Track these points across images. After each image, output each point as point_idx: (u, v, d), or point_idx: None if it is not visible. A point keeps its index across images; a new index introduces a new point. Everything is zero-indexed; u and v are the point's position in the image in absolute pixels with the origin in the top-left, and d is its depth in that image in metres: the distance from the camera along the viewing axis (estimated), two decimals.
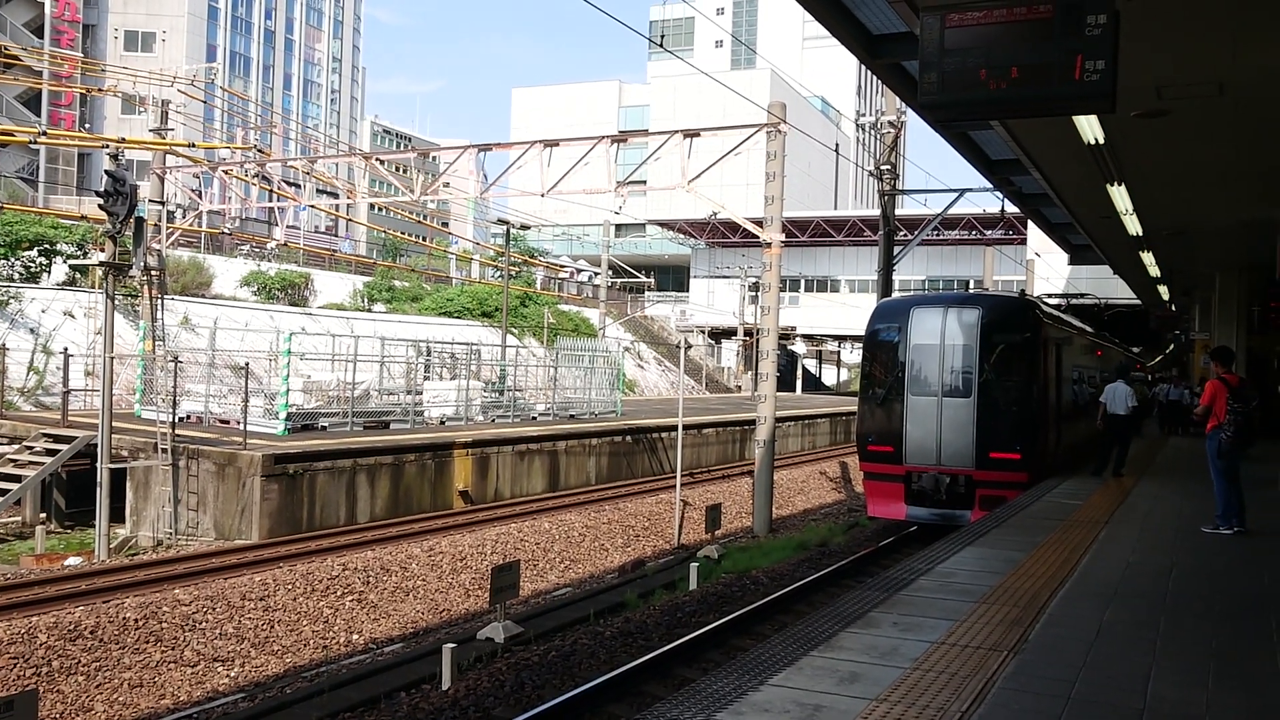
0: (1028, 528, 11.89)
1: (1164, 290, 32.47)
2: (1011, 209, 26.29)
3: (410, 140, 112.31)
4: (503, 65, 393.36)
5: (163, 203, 25.59)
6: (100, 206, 17.02)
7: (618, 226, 74.07)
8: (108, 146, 19.09)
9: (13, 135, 37.01)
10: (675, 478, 20.51)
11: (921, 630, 7.05)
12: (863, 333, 19.38)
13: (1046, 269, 42.90)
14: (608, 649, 11.32)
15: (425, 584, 14.59)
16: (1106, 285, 38.98)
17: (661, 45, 16.24)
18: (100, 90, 42.51)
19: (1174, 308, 38.78)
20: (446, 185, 25.67)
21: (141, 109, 28.78)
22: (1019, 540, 10.97)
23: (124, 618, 11.32)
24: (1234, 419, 11.44)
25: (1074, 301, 35.21)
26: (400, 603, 13.92)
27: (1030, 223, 34.10)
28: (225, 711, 10.19)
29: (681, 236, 71.74)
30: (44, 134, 35.10)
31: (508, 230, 36.10)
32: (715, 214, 22.85)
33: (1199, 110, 11.24)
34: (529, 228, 41.30)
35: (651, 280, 64.50)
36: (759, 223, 21.13)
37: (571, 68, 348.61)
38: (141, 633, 11.25)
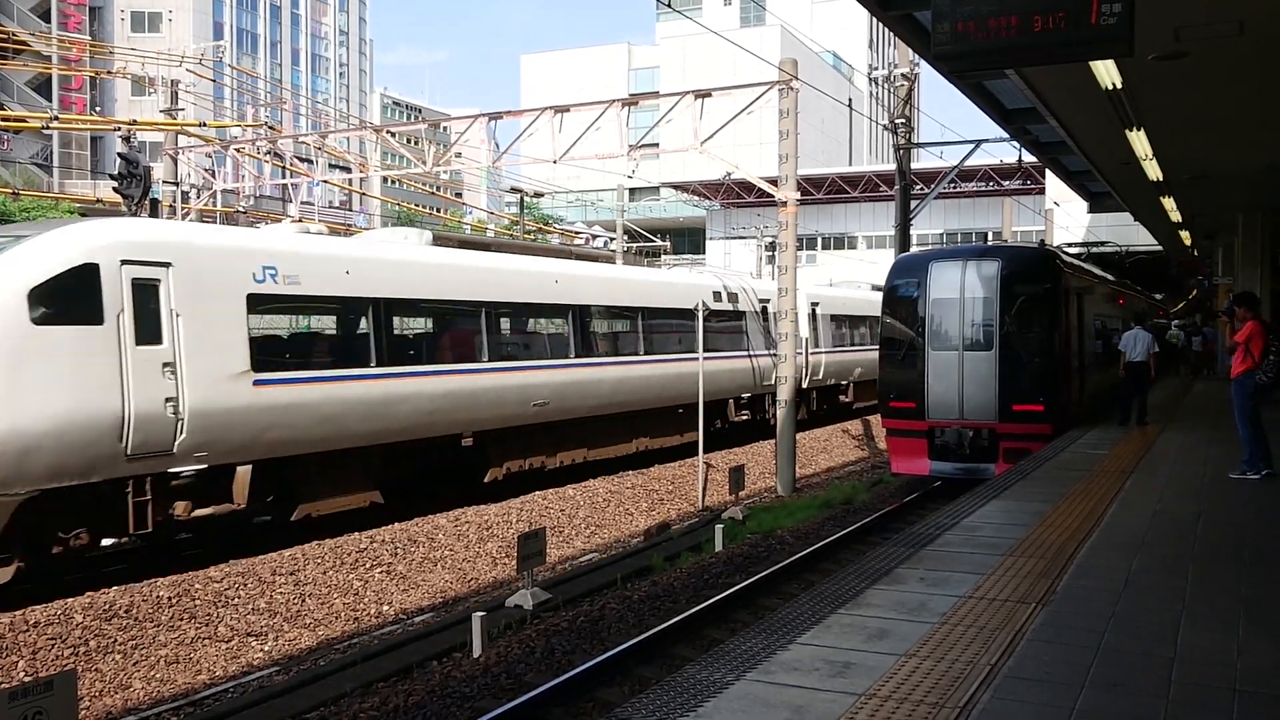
0: (1053, 479, 11.86)
1: (1186, 236, 32.14)
2: (1029, 158, 26.00)
3: (420, 111, 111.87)
4: (509, 32, 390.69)
5: (176, 183, 25.62)
6: (115, 189, 17.09)
7: (631, 190, 73.66)
8: (119, 129, 19.13)
9: (25, 121, 37.11)
10: (698, 439, 20.52)
11: (949, 585, 7.06)
12: (881, 289, 19.29)
13: (1066, 218, 42.48)
14: (636, 612, 11.39)
15: (452, 554, 14.69)
16: (1127, 233, 38.56)
17: (669, 5, 16.05)
18: (109, 73, 42.48)
19: (1196, 253, 38.40)
20: (458, 155, 25.62)
21: (151, 90, 28.77)
22: (1044, 492, 10.94)
23: (158, 596, 11.45)
24: (1277, 360, 11.37)
25: (1094, 250, 34.83)
26: (428, 573, 14.02)
27: (1048, 172, 33.72)
28: (261, 684, 10.30)
29: (696, 199, 71.34)
30: (55, 119, 35.21)
31: (521, 198, 35.99)
32: (729, 174, 22.68)
33: (1219, 51, 11.05)
34: (542, 195, 41.21)
35: (667, 243, 64.17)
36: (774, 181, 20.97)
37: (579, 32, 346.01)
38: (175, 610, 11.38)
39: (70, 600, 11.00)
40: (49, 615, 10.57)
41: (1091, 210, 32.81)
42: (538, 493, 17.82)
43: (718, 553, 14.58)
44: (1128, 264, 41.52)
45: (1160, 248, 39.99)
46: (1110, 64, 11.15)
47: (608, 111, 21.34)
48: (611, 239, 53.36)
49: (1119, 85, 12.03)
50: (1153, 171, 18.50)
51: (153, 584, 11.71)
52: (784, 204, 20.29)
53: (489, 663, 9.70)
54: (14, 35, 51.61)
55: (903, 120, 25.61)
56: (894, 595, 6.82)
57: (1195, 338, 35.22)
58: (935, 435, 17.43)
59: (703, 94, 20.65)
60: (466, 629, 10.66)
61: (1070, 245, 32.59)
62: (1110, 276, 26.65)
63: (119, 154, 16.93)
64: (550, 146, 21.54)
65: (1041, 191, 49.08)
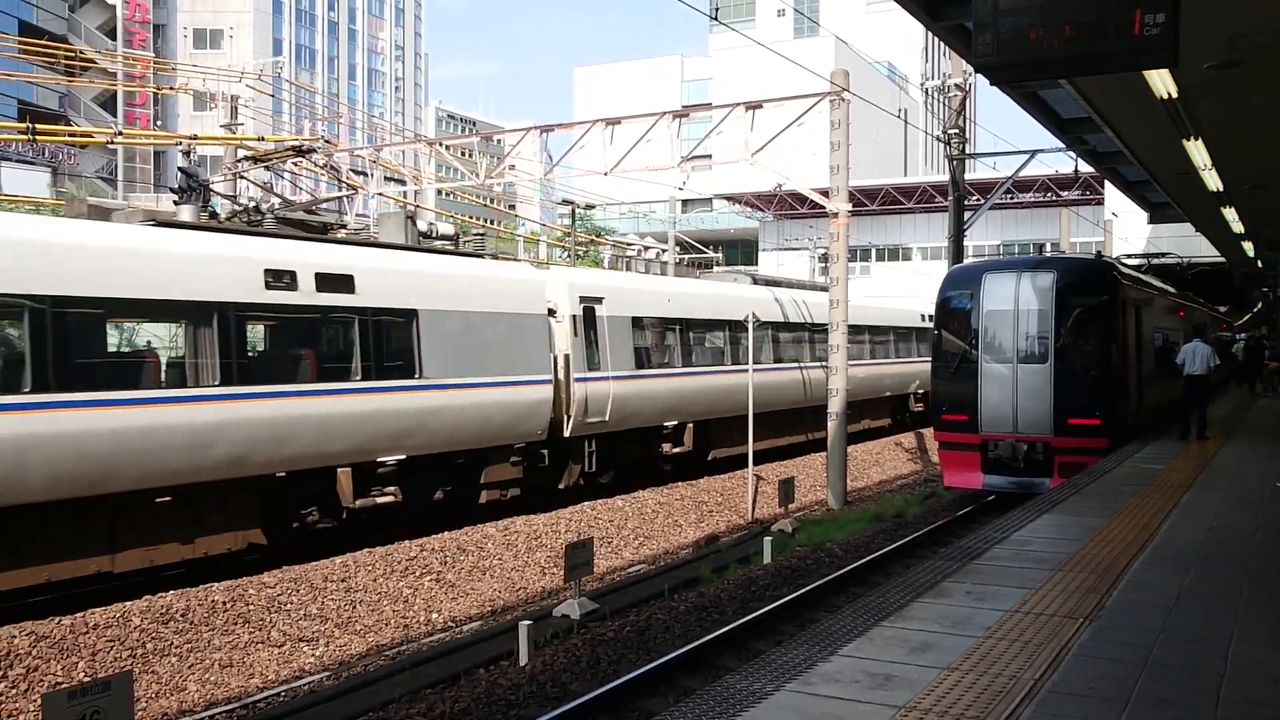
0: (1107, 494, 11.69)
1: (1248, 246, 31.47)
2: (1086, 168, 25.66)
3: (474, 124, 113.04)
4: (563, 45, 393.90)
5: (234, 197, 26.11)
6: (175, 203, 17.44)
7: (684, 202, 73.74)
8: (180, 144, 19.55)
9: (91, 136, 38.07)
10: (747, 451, 20.50)
11: (995, 599, 6.99)
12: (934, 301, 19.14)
13: (1125, 229, 41.78)
14: (682, 623, 11.39)
15: (501, 563, 14.80)
16: (1188, 244, 37.83)
17: (715, 18, 16.14)
18: (172, 89, 43.56)
19: (1260, 264, 37.59)
20: (512, 168, 25.87)
21: (212, 105, 29.41)
22: (1098, 507, 10.79)
23: (213, 600, 11.67)
24: None
25: (1154, 261, 34.25)
26: (477, 582, 14.14)
27: (1107, 182, 33.23)
28: (312, 689, 10.47)
29: (748, 210, 71.25)
30: (120, 134, 36.03)
31: (573, 210, 36.21)
32: (780, 186, 22.67)
33: (1275, 58, 10.85)
34: (594, 207, 41.43)
35: (720, 255, 64.07)
36: (825, 193, 20.91)
37: (633, 44, 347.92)
38: (230, 615, 11.59)
39: (129, 603, 11.25)
40: (109, 618, 10.82)
41: (1152, 221, 32.27)
42: (586, 503, 17.90)
43: (766, 565, 14.54)
44: (1189, 275, 40.79)
45: (1223, 259, 39.19)
46: (1164, 73, 10.99)
47: (659, 123, 21.41)
48: (664, 250, 53.56)
49: (1174, 94, 11.85)
50: (1212, 181, 18.16)
51: (208, 588, 11.93)
52: (835, 215, 20.22)
53: (535, 671, 9.77)
54: (81, 53, 52.95)
55: (956, 131, 25.40)
56: (939, 609, 6.77)
57: (1266, 351, 34.34)
58: (989, 449, 17.24)
59: (753, 106, 20.64)
60: (514, 637, 10.75)
61: (1130, 256, 32.07)
62: (1170, 288, 26.18)
63: (179, 168, 17.34)
64: (602, 158, 21.65)
65: (1101, 202, 48.37)
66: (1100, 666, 5.51)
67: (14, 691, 9.56)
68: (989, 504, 17.91)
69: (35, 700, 9.29)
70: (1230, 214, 22.93)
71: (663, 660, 9.60)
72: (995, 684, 5.23)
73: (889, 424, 33.16)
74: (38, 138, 30.06)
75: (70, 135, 40.08)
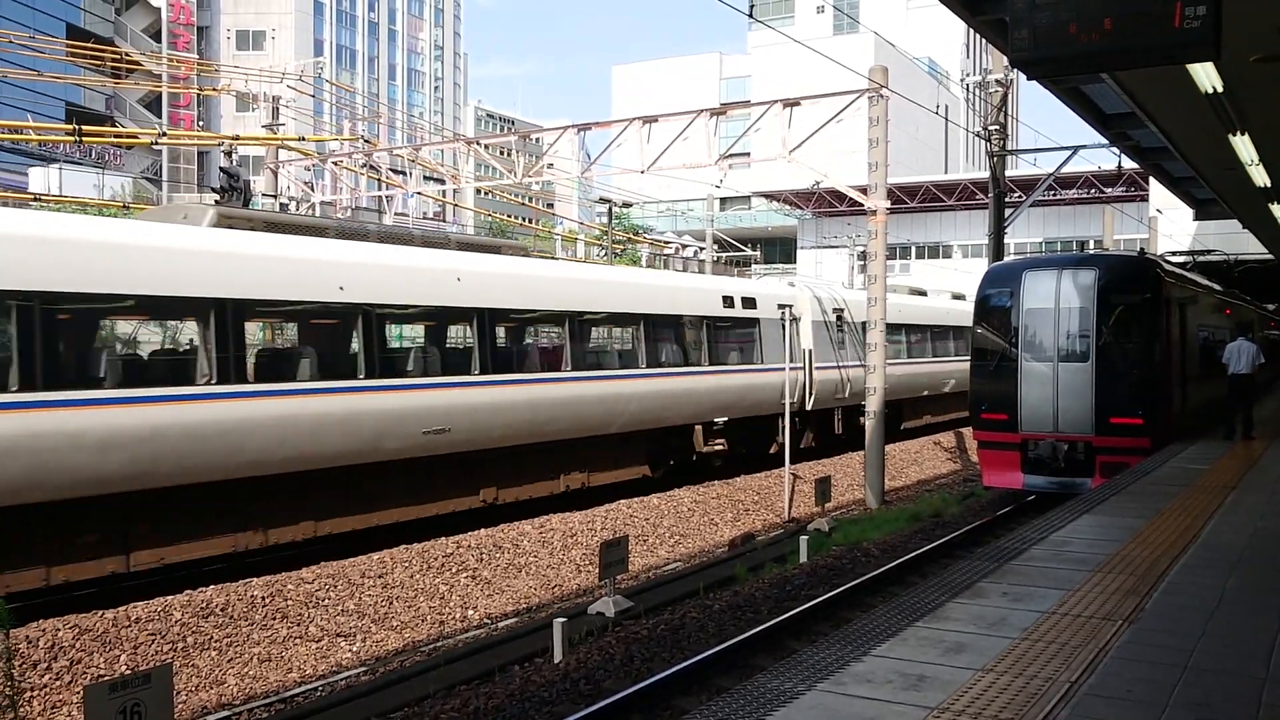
0: (1149, 494, 11.52)
1: None
2: (1130, 164, 25.29)
3: (513, 123, 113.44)
4: (601, 44, 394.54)
5: (275, 195, 26.40)
6: (216, 202, 17.65)
7: (722, 200, 73.59)
8: (223, 144, 19.79)
9: (136, 137, 38.66)
10: (784, 450, 20.41)
11: (1032, 600, 6.91)
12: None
13: (1170, 226, 41.15)
14: (717, 622, 11.37)
15: (537, 560, 14.84)
16: (1235, 240, 37.19)
17: (752, 16, 16.06)
18: (215, 90, 44.13)
19: None
20: (550, 166, 25.95)
21: (254, 106, 29.76)
22: (1139, 507, 10.64)
23: (252, 596, 11.80)
24: None
25: (1200, 259, 33.74)
26: (513, 579, 14.19)
27: (1152, 178, 32.75)
28: (349, 684, 10.56)
29: (787, 208, 70.98)
30: (164, 135, 36.59)
31: (610, 209, 36.27)
32: (818, 183, 22.53)
33: None
34: (631, 205, 41.43)
35: (758, 253, 63.96)
36: (864, 190, 20.77)
37: (671, 41, 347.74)
38: (269, 610, 11.71)
39: (170, 597, 11.39)
40: (150, 611, 10.96)
41: (1198, 218, 31.76)
42: (622, 501, 17.89)
43: (802, 564, 14.48)
44: (1236, 273, 40.11)
45: (1271, 256, 38.49)
46: (1209, 67, 10.80)
47: (696, 121, 21.38)
48: (702, 249, 53.50)
49: (1219, 89, 11.65)
50: (1259, 177, 17.86)
51: (248, 584, 12.06)
52: (873, 213, 20.09)
53: (569, 668, 9.78)
54: (127, 55, 53.77)
55: (996, 126, 25.13)
56: (974, 609, 6.70)
57: None
58: (1029, 448, 17.06)
59: (791, 103, 20.56)
60: (548, 635, 10.77)
61: (1175, 253, 31.59)
62: (1216, 286, 25.76)
63: (220, 168, 17.55)
64: (639, 157, 21.66)
65: (1145, 199, 47.64)
66: (1138, 670, 5.42)
67: (58, 683, 9.72)
68: (1029, 504, 17.73)
69: (78, 692, 9.45)
70: (1278, 210, 22.53)
71: (696, 659, 9.59)
72: (1030, 686, 5.17)
73: (645, 474, 19.62)
74: (84, 139, 30.55)
75: (116, 136, 40.73)
